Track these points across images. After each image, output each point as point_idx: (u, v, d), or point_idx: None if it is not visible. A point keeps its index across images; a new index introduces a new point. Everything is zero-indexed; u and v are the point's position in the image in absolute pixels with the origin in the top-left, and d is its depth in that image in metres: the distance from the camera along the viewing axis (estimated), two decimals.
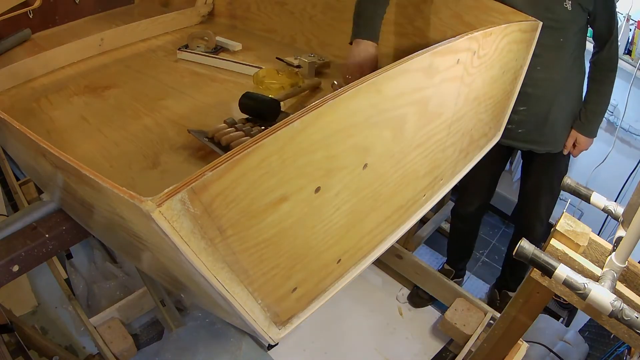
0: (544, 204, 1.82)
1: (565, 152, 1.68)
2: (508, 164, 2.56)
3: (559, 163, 1.73)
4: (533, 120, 1.60)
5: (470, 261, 2.48)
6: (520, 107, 1.56)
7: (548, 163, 1.73)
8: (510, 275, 2.15)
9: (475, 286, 2.36)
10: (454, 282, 2.25)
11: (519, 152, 1.98)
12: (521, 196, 1.92)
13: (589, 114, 1.61)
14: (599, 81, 1.58)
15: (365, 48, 1.30)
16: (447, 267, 2.28)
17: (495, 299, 2.21)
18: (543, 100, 1.56)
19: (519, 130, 1.63)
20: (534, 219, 1.87)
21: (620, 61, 1.68)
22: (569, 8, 1.40)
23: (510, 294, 2.18)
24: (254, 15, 1.91)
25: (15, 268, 1.00)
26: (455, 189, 1.40)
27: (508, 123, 1.59)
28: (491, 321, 1.85)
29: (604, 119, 2.23)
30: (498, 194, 2.66)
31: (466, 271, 2.34)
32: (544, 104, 1.57)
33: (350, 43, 1.34)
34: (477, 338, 1.80)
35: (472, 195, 1.96)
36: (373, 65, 1.31)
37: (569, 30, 1.46)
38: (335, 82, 1.44)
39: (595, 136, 1.64)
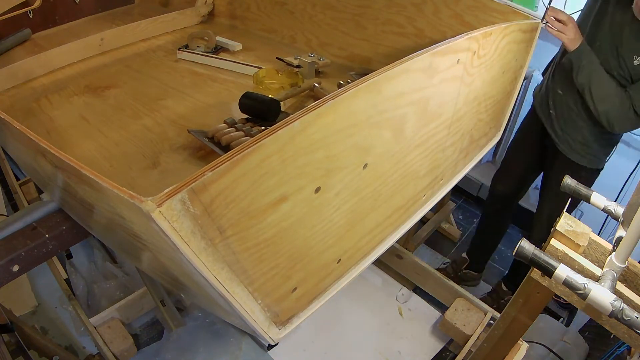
0: (546, 209, 1.82)
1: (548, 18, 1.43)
2: None
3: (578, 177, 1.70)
4: (563, 113, 1.61)
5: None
6: (559, 91, 1.59)
7: (566, 167, 1.66)
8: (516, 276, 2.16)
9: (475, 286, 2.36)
10: (469, 274, 2.26)
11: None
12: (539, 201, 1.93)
13: (602, 72, 1.46)
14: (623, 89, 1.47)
15: None
16: (464, 255, 2.28)
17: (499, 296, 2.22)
18: (577, 108, 1.56)
19: (550, 111, 1.64)
20: (536, 219, 1.87)
21: None
22: (635, 63, 1.39)
23: (504, 287, 2.20)
24: (254, 15, 1.91)
25: (15, 268, 1.00)
26: (460, 185, 1.40)
27: (549, 108, 1.64)
28: (491, 321, 1.85)
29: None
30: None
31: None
32: (575, 109, 1.57)
33: None
34: (477, 338, 1.79)
35: (505, 174, 1.97)
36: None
37: (628, 79, 1.44)
38: (341, 82, 1.44)
39: (579, 45, 1.43)
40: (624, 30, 1.39)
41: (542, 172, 1.90)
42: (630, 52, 1.39)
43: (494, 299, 2.19)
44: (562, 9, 1.40)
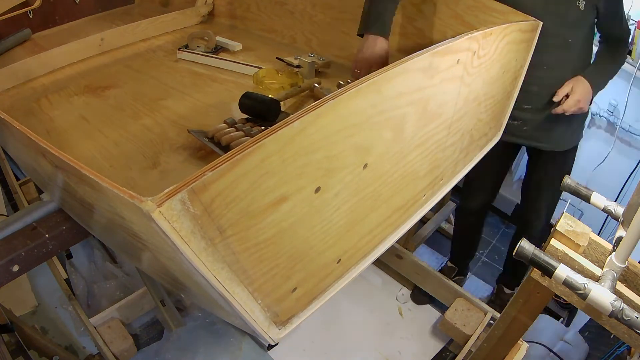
0: (544, 201, 1.82)
1: (556, 100, 1.52)
2: None
3: (563, 162, 1.72)
4: (538, 119, 1.60)
5: (470, 261, 2.49)
6: (525, 105, 1.56)
7: (552, 160, 1.71)
8: (512, 275, 2.16)
9: (475, 286, 2.36)
10: (457, 279, 2.26)
11: (524, 150, 1.97)
12: (523, 192, 1.92)
13: (597, 66, 1.54)
14: (608, 51, 1.55)
15: (375, 43, 1.29)
16: (450, 264, 2.29)
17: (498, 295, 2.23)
18: (548, 99, 1.55)
19: (524, 128, 1.63)
20: (532, 215, 1.87)
21: None
22: (582, 8, 1.39)
23: (507, 290, 2.19)
24: (254, 15, 1.91)
25: (15, 268, 1.00)
26: (459, 185, 1.41)
27: (513, 119, 1.60)
28: (491, 321, 1.85)
29: (604, 119, 2.23)
30: (498, 194, 2.66)
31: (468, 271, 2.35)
32: (549, 103, 1.56)
33: (360, 36, 1.32)
34: (477, 338, 1.80)
35: (476, 190, 1.97)
36: (383, 61, 1.30)
37: (578, 30, 1.45)
38: (341, 82, 1.44)
39: (595, 91, 1.52)
40: None
41: (526, 173, 1.90)
42: (571, 2, 1.39)
43: (498, 305, 2.18)
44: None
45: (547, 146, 1.67)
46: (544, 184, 1.79)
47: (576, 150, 1.74)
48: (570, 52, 1.49)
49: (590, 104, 1.55)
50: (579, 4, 1.39)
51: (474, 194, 1.98)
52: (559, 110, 1.49)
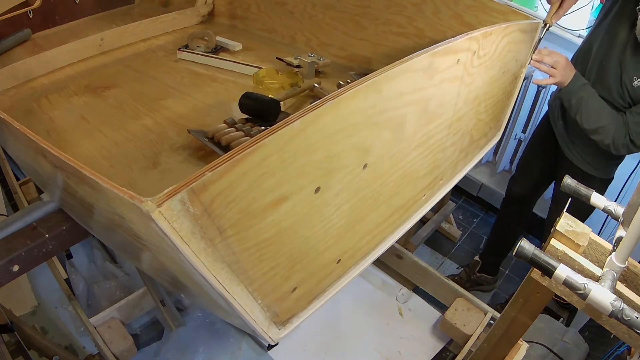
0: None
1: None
2: (508, 163, 2.56)
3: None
4: (573, 126, 1.60)
5: (469, 261, 2.48)
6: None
7: (578, 178, 1.66)
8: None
9: None
10: (482, 277, 2.26)
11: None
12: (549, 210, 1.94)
13: (597, 96, 1.46)
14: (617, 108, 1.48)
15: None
16: (476, 258, 2.28)
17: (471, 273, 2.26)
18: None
19: (559, 122, 1.64)
20: (548, 228, 1.88)
21: None
22: (635, 84, 1.38)
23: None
24: (254, 15, 1.91)
25: (15, 268, 1.00)
26: (459, 185, 1.41)
27: (559, 119, 1.64)
28: (491, 321, 1.85)
29: None
30: (497, 194, 2.67)
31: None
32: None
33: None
34: (477, 338, 1.79)
35: (521, 175, 1.98)
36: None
37: (625, 100, 1.44)
38: (341, 82, 1.44)
39: (567, 90, 1.45)
40: (626, 50, 1.39)
41: (554, 182, 1.90)
42: (632, 72, 1.38)
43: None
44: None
45: (568, 152, 1.66)
46: (561, 201, 1.77)
47: (605, 186, 1.70)
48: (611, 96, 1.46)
49: (554, 85, 1.49)
50: (635, 80, 1.38)
51: (519, 179, 1.98)
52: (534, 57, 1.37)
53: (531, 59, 1.35)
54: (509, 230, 2.15)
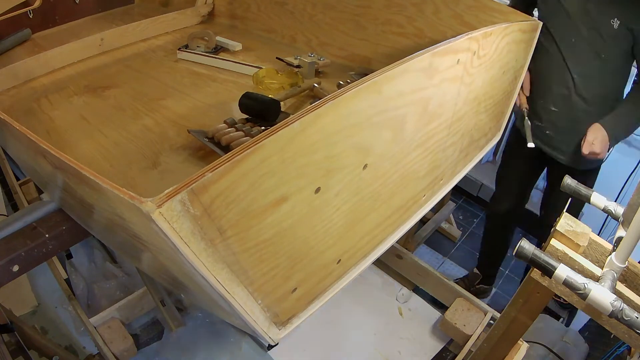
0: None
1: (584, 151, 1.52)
2: None
3: (581, 182, 1.69)
4: (561, 125, 1.60)
5: (469, 261, 2.49)
6: (553, 107, 1.58)
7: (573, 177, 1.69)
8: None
9: None
10: (480, 288, 2.27)
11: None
12: (542, 206, 1.94)
13: (619, 114, 1.50)
14: (636, 98, 1.51)
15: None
16: (475, 270, 2.28)
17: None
18: (575, 107, 1.55)
19: (547, 132, 1.63)
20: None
21: None
22: (615, 27, 1.38)
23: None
24: (254, 15, 1.91)
25: (15, 268, 1.00)
26: (459, 185, 1.41)
27: (538, 121, 1.63)
28: (491, 321, 1.85)
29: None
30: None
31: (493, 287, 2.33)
32: (574, 111, 1.55)
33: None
34: (477, 338, 1.79)
35: (502, 194, 1.98)
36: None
37: (611, 48, 1.43)
38: (341, 82, 1.44)
39: (613, 143, 1.53)
40: (589, 10, 1.39)
41: (547, 185, 1.90)
42: (606, 19, 1.38)
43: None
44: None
45: (565, 160, 1.65)
46: (559, 203, 1.76)
47: (597, 173, 1.71)
48: (602, 66, 1.47)
49: (609, 151, 1.55)
50: (612, 22, 1.38)
51: (500, 197, 1.98)
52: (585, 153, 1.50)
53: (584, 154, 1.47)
54: (499, 241, 2.16)
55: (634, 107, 1.49)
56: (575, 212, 1.79)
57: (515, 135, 1.84)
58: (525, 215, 2.64)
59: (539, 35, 1.34)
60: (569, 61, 1.49)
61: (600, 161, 1.67)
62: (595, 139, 1.47)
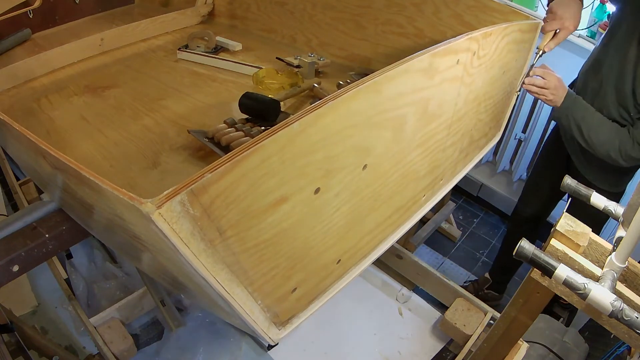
0: None
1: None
2: (508, 163, 2.56)
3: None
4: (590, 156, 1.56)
5: (469, 261, 2.48)
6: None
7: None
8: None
9: None
10: (489, 294, 2.23)
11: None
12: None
13: (588, 108, 1.43)
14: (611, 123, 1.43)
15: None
16: (486, 275, 2.25)
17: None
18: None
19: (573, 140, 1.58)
20: None
21: None
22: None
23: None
24: (254, 15, 1.91)
25: (15, 268, 1.00)
26: (459, 185, 1.39)
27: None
28: (491, 321, 1.85)
29: None
30: (497, 194, 2.66)
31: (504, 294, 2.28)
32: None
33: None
34: (477, 338, 1.80)
35: (529, 196, 1.95)
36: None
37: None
38: (341, 82, 1.44)
39: (558, 113, 1.45)
40: (638, 66, 1.35)
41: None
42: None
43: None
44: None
45: (578, 163, 1.63)
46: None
47: (619, 198, 1.66)
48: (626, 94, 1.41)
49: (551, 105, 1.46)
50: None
51: (527, 200, 1.95)
52: (525, 81, 1.38)
53: (522, 82, 1.36)
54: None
55: (604, 120, 1.43)
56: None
57: (552, 144, 1.80)
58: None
59: None
60: (599, 71, 1.44)
61: (626, 183, 1.65)
62: (550, 84, 1.37)
